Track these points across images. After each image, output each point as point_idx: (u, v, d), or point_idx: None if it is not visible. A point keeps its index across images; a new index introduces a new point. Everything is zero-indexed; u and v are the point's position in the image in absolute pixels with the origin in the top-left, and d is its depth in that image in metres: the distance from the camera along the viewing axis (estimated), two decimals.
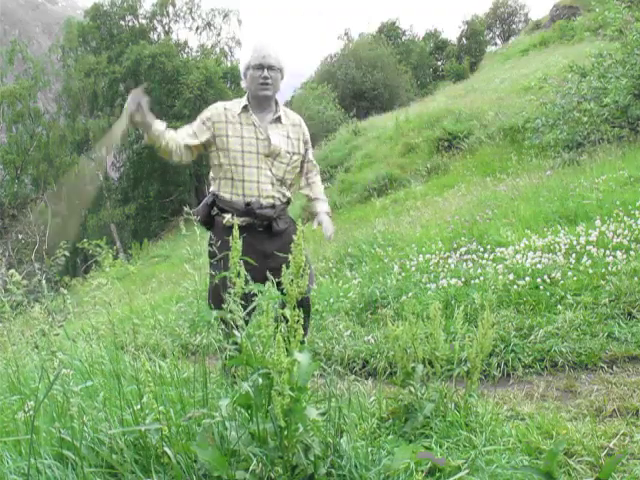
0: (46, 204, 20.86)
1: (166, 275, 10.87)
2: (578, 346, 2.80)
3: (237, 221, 2.39)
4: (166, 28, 27.67)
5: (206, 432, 1.57)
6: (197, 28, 27.74)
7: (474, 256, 4.45)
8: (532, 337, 2.96)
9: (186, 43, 28.04)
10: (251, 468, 1.47)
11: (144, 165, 25.03)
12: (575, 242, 4.02)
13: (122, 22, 26.83)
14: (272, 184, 2.66)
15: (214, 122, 2.64)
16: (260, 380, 1.49)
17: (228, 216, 2.55)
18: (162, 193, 25.04)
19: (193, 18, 27.64)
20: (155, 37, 27.44)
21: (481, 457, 1.75)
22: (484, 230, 5.22)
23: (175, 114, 23.27)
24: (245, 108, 2.68)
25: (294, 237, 2.43)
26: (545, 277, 3.53)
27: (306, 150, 2.86)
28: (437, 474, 1.66)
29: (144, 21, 27.30)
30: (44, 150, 21.64)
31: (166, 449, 1.50)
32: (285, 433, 1.48)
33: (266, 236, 2.64)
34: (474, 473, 1.67)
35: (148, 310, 5.51)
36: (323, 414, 1.65)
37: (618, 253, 3.54)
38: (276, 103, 2.76)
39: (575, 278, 3.44)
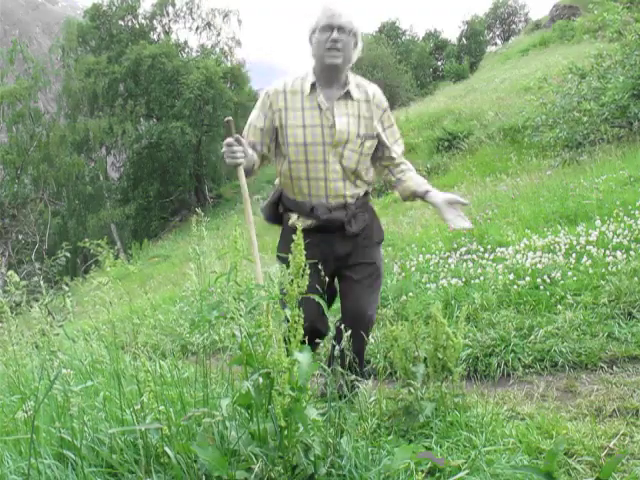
0: (46, 204, 20.83)
1: (166, 275, 10.87)
2: (578, 346, 2.80)
3: (299, 224, 2.07)
4: (166, 28, 27.64)
5: (206, 432, 1.57)
6: (197, 28, 27.71)
7: (474, 256, 4.44)
8: (532, 337, 2.95)
9: (186, 43, 28.04)
10: (254, 469, 1.47)
11: (144, 165, 25.02)
12: (575, 242, 4.02)
13: (121, 22, 26.81)
14: (343, 180, 2.21)
15: (274, 111, 2.22)
16: (260, 380, 1.49)
17: (294, 217, 2.25)
18: (162, 193, 25.02)
19: (193, 18, 27.62)
20: (155, 37, 27.43)
21: (481, 457, 1.75)
22: (484, 230, 5.22)
23: (175, 114, 23.27)
24: (313, 87, 2.20)
25: (370, 235, 2.32)
26: (545, 277, 3.53)
27: (383, 130, 2.28)
28: (437, 474, 1.66)
29: (144, 21, 27.28)
30: (44, 150, 21.59)
31: (166, 449, 1.50)
32: (285, 433, 1.48)
33: (338, 236, 2.26)
34: (474, 473, 1.67)
35: (149, 310, 5.52)
36: (323, 414, 1.65)
37: (618, 253, 3.54)
38: (347, 75, 2.23)
39: (575, 278, 3.44)
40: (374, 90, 2.28)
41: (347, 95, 2.20)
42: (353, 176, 2.24)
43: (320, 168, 2.17)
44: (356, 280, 2.31)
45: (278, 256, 2.24)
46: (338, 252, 2.26)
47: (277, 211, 2.37)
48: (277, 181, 2.37)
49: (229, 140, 2.06)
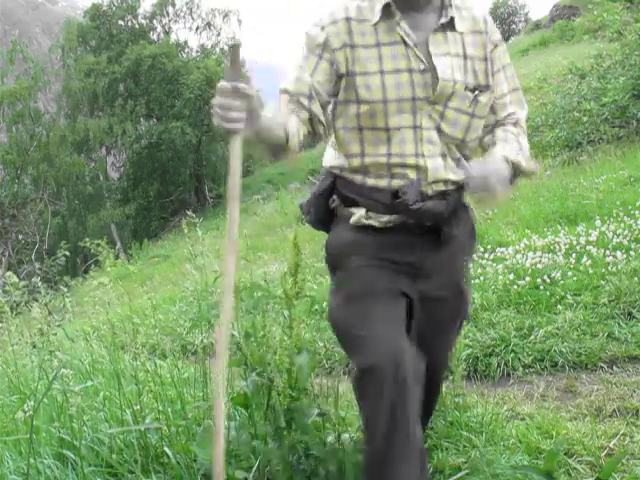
0: (46, 204, 20.85)
1: (166, 275, 10.86)
2: (578, 346, 2.80)
3: (376, 222, 1.43)
4: (166, 28, 27.65)
5: (206, 432, 1.57)
6: (197, 28, 27.70)
7: (474, 256, 4.44)
8: (532, 337, 2.95)
9: (186, 43, 28.04)
10: (252, 469, 1.47)
11: (144, 165, 25.02)
12: (575, 242, 4.02)
13: (121, 22, 26.82)
14: (443, 156, 1.42)
15: (334, 50, 1.37)
16: (260, 380, 1.49)
17: (360, 212, 1.43)
18: (162, 193, 25.01)
19: (193, 18, 27.60)
20: (155, 37, 27.44)
21: (481, 457, 1.75)
22: (484, 230, 5.21)
23: (175, 114, 23.28)
24: (387, 9, 1.36)
25: (468, 243, 1.62)
26: (545, 277, 3.53)
27: (493, 74, 1.45)
28: (437, 474, 1.66)
29: (144, 21, 27.30)
30: (44, 150, 21.61)
31: (166, 449, 1.50)
32: (285, 433, 1.48)
33: (426, 241, 1.47)
34: (474, 473, 1.67)
35: (149, 309, 5.52)
36: (323, 414, 1.65)
37: (618, 253, 3.54)
38: None
39: (575, 278, 3.44)
40: (484, 15, 1.47)
41: (448, 25, 1.39)
42: (458, 150, 1.45)
43: (408, 138, 1.38)
44: (437, 311, 1.55)
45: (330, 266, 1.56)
46: (420, 265, 1.47)
47: (328, 207, 1.53)
48: (328, 160, 1.54)
49: (223, 84, 1.11)
